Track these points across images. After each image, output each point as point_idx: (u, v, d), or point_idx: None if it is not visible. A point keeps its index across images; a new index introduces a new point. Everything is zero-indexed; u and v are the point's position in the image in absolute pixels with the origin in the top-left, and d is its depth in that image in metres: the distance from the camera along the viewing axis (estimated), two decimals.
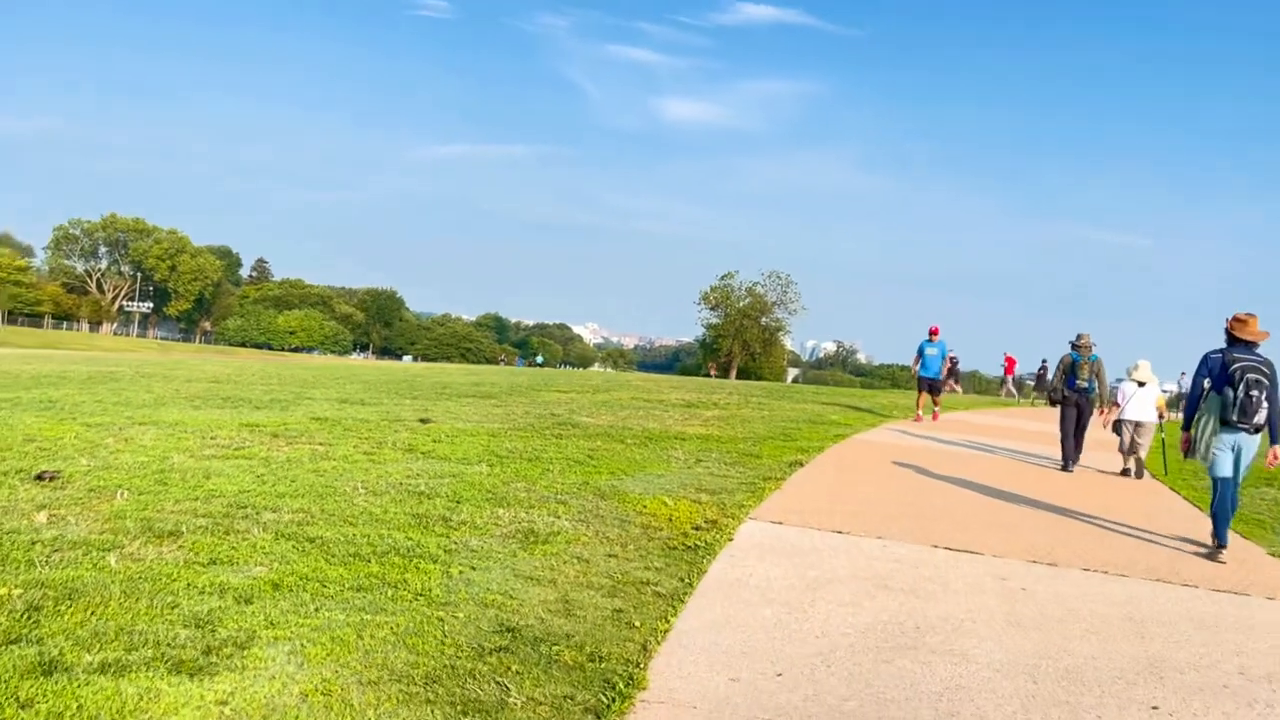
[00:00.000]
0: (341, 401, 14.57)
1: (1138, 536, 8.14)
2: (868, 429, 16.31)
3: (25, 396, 12.34)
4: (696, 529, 6.94)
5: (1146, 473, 12.89)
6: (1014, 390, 40.67)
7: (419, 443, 9.78)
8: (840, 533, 7.27)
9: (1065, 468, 13.09)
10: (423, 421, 11.81)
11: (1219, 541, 7.57)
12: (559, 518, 6.72)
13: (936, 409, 20.04)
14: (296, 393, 15.94)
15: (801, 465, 10.51)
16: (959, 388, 39.82)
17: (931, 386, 19.44)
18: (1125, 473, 12.88)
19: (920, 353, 19.01)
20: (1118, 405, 13.13)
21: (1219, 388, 7.55)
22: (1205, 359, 7.53)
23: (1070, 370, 13.39)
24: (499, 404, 15.90)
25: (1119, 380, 13.84)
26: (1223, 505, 7.61)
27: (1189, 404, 7.95)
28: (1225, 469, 7.64)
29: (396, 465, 8.29)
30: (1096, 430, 14.55)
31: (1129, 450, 12.89)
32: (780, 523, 7.39)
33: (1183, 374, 34.16)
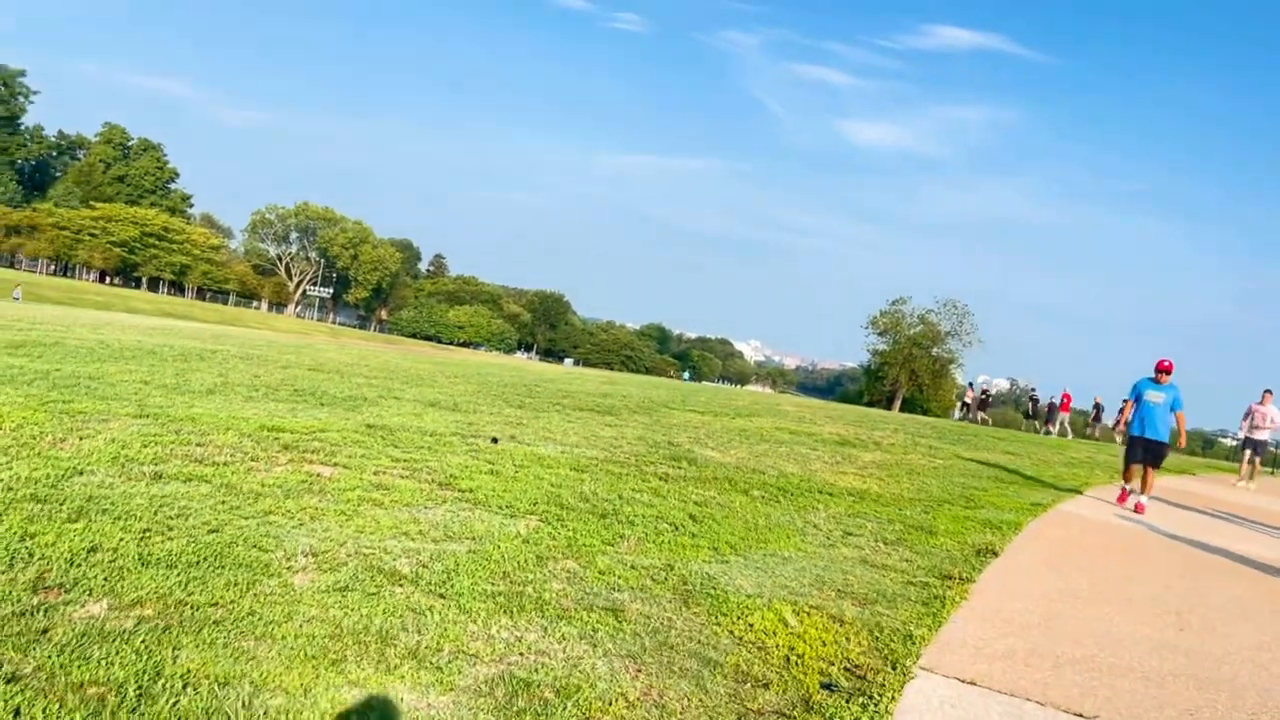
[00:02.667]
0: (428, 405, 12.32)
1: None
2: (1071, 497, 12.86)
3: (59, 370, 10.59)
4: (828, 686, 4.08)
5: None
6: (1068, 429, 37.56)
7: (466, 474, 7.27)
8: (1080, 717, 4.24)
9: None
10: (493, 441, 9.32)
11: None
12: (594, 648, 4.02)
13: (1146, 494, 12.34)
14: (388, 390, 13.83)
15: (995, 554, 7.44)
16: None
17: (1151, 451, 12.42)
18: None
19: (1138, 397, 12.63)
20: None
21: None
22: None
23: None
24: (614, 422, 13.33)
25: None
26: None
27: None
28: None
29: (402, 513, 5.77)
30: None
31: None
32: (974, 683, 4.42)
33: None
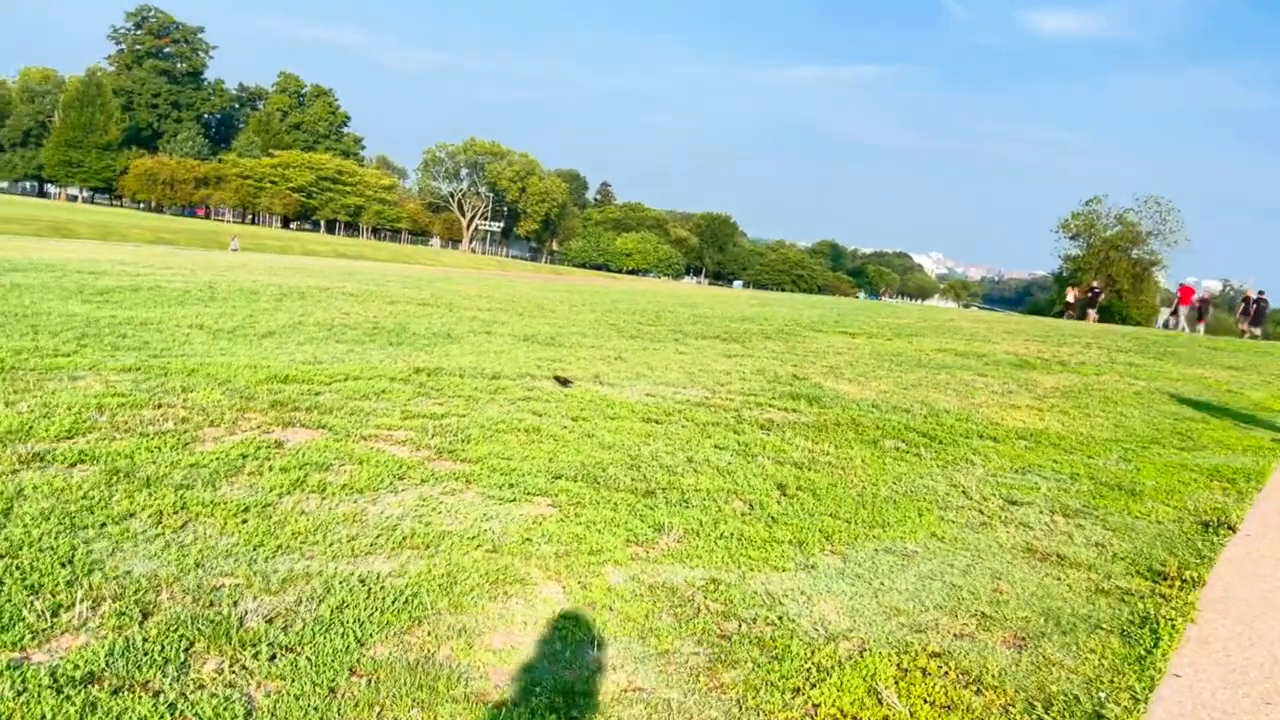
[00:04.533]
0: (521, 340, 10.76)
1: None
2: None
3: (114, 317, 9.59)
4: None
5: None
6: (1185, 325, 34.23)
7: (488, 435, 5.59)
8: None
9: None
10: (561, 383, 7.62)
11: None
12: None
13: None
14: (489, 324, 12.38)
15: (1232, 529, 5.18)
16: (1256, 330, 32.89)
17: None
18: None
19: None
20: None
21: None
22: None
23: None
24: (737, 352, 11.41)
25: None
26: None
27: None
28: None
29: (337, 508, 4.13)
30: None
31: None
32: None
33: None
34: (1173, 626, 3.66)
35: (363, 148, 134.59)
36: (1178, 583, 4.20)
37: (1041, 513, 5.23)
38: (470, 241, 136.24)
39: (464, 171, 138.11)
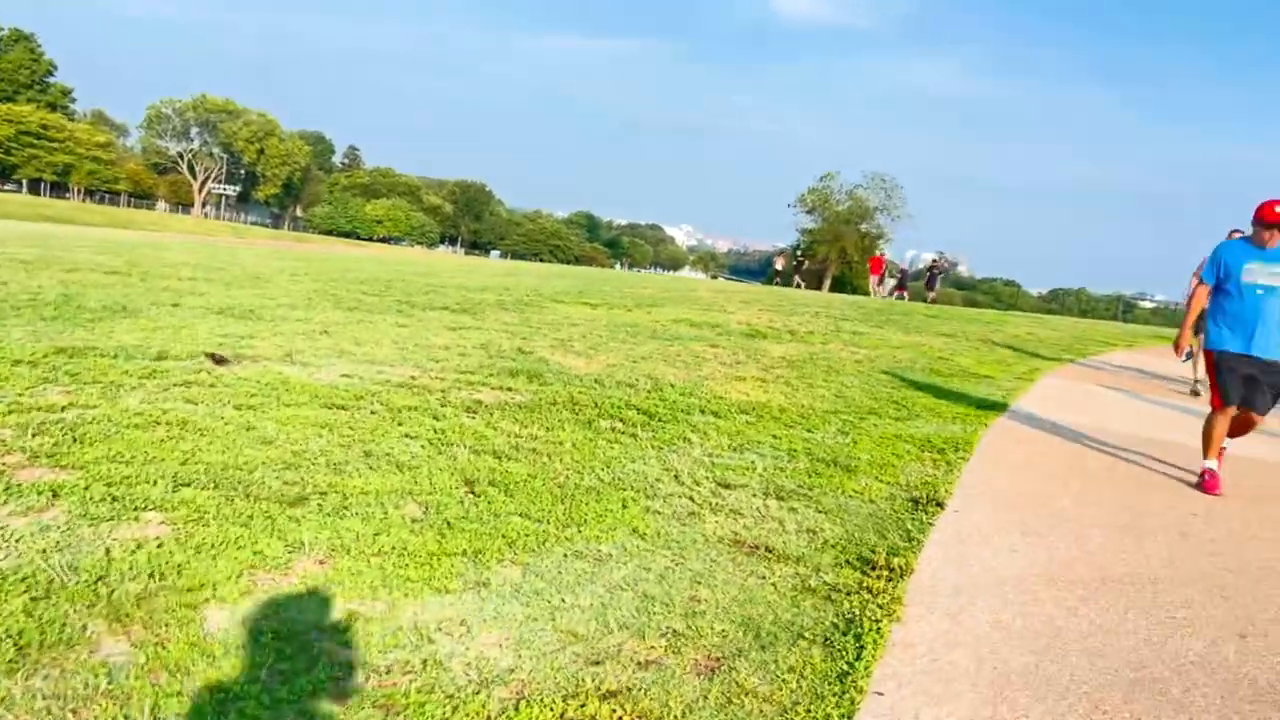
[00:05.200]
0: (213, 313, 9.48)
1: None
2: (1024, 388, 10.59)
3: None
4: None
5: None
6: (882, 293, 39.42)
7: (135, 426, 4.59)
8: None
9: None
10: (217, 362, 6.60)
11: None
12: None
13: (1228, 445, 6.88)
14: (182, 294, 10.92)
15: (940, 505, 5.04)
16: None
17: (1272, 383, 6.31)
18: None
19: (1227, 276, 6.40)
20: None
21: None
22: None
23: None
24: (465, 324, 10.65)
25: None
26: None
27: None
28: None
29: None
30: None
31: None
32: None
33: None
34: (877, 630, 3.31)
35: (73, 100, 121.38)
36: (885, 573, 3.91)
37: (754, 496, 4.87)
38: (203, 206, 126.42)
39: (194, 130, 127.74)
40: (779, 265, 51.41)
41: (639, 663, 2.91)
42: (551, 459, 5.06)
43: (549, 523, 4.04)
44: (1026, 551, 4.51)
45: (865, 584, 3.77)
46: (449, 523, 3.86)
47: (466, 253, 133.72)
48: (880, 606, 3.53)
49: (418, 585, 3.23)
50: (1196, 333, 8.76)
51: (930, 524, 4.73)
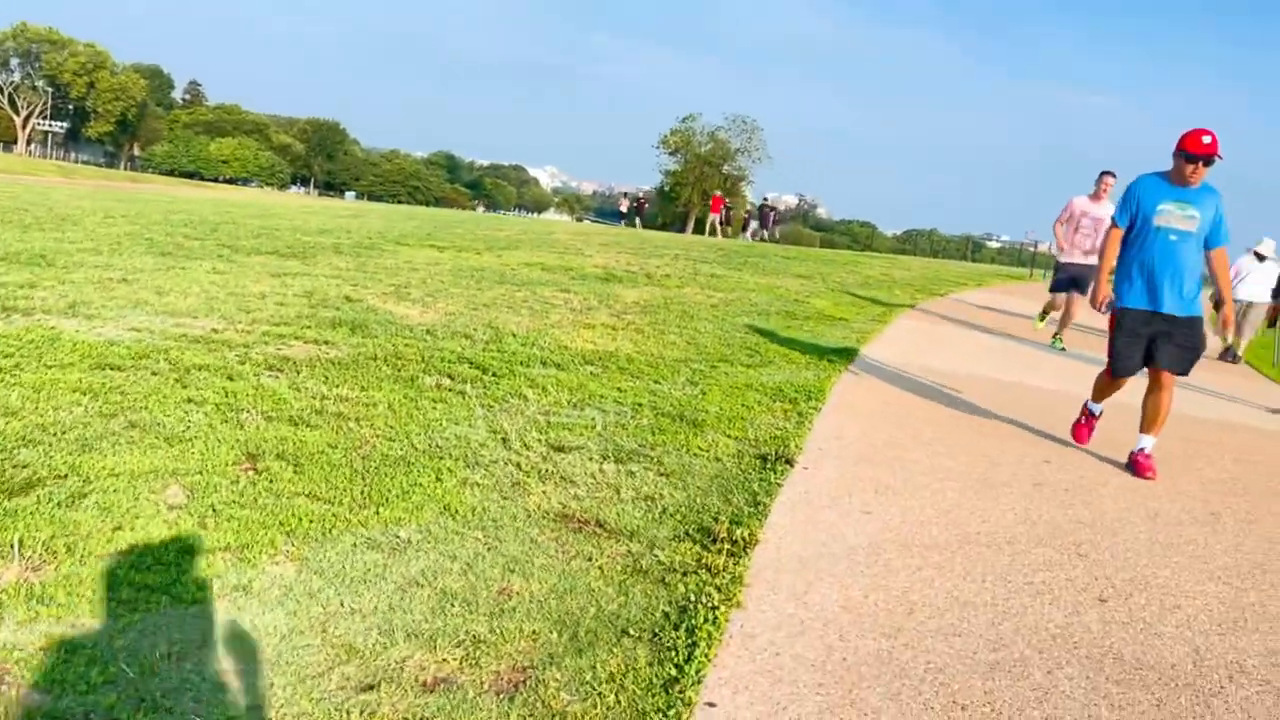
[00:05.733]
0: None
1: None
2: (877, 331, 10.46)
3: None
4: None
5: (1242, 359, 12.09)
6: (719, 231, 40.55)
7: None
8: None
9: None
10: None
11: None
12: None
13: (1153, 434, 5.62)
14: None
15: (790, 462, 4.68)
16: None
17: (1176, 342, 5.48)
18: (1226, 354, 11.90)
19: (1141, 217, 5.54)
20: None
21: None
22: None
23: None
24: (292, 270, 9.77)
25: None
26: None
27: None
28: None
29: None
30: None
31: (1233, 333, 11.77)
32: None
33: None
34: (714, 619, 2.89)
35: None
36: (727, 546, 3.50)
37: (590, 460, 4.40)
38: (29, 144, 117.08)
39: (15, 62, 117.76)
40: (623, 207, 52.71)
41: (425, 683, 2.40)
42: (359, 424, 4.45)
43: (342, 504, 3.46)
44: (880, 512, 4.18)
45: (704, 561, 3.35)
46: (215, 509, 3.23)
47: (320, 194, 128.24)
48: (719, 589, 3.11)
49: (153, 596, 2.62)
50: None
51: (779, 484, 4.36)
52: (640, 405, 5.56)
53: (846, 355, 8.31)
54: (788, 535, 3.74)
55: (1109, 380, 5.80)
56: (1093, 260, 10.31)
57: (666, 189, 75.47)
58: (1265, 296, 12.17)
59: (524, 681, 2.46)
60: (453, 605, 2.81)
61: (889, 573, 3.50)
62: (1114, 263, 5.68)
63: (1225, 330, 6.35)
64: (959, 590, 3.42)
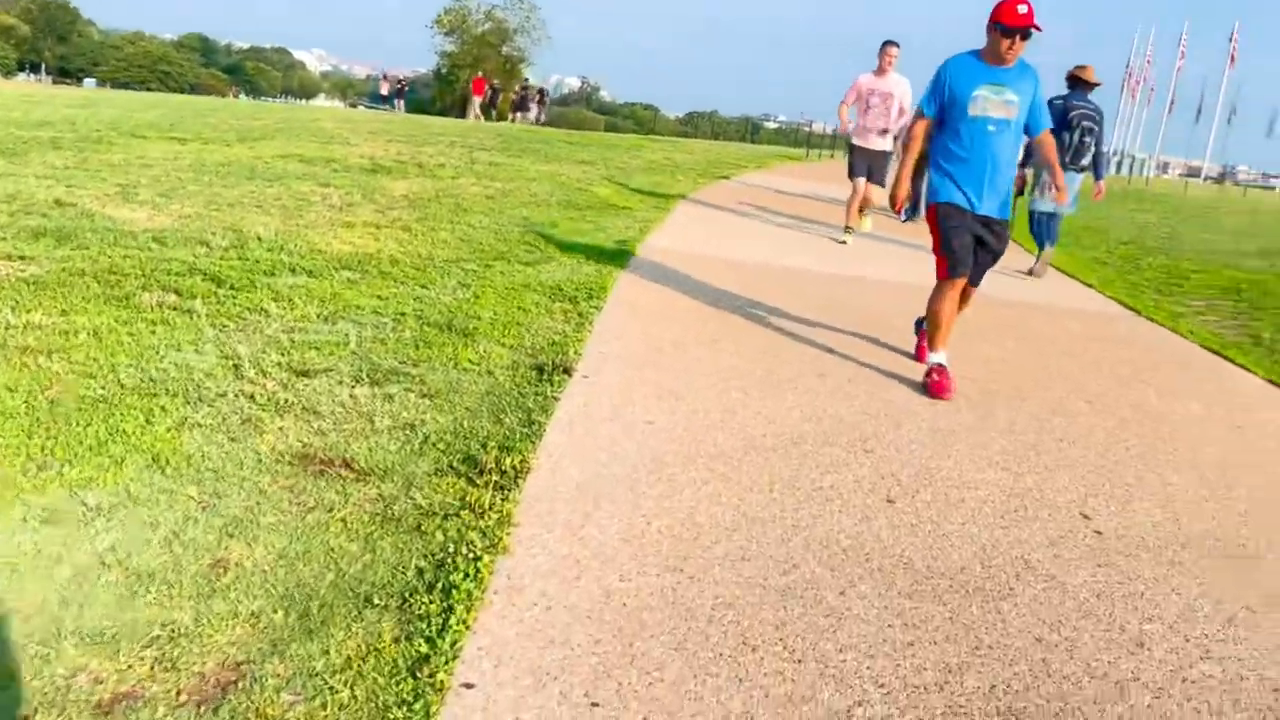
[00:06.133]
0: None
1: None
2: (661, 218, 10.18)
3: None
4: None
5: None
6: (480, 115, 40.66)
7: None
8: None
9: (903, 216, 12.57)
10: None
11: (1039, 258, 9.35)
12: None
13: (941, 349, 4.98)
14: None
15: (568, 372, 4.31)
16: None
17: (987, 246, 4.98)
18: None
19: (951, 106, 4.84)
20: None
21: (1056, 132, 7.19)
22: (1049, 104, 5.92)
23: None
24: None
25: None
26: (1043, 233, 9.38)
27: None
28: (1046, 205, 9.19)
29: None
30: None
31: None
32: None
33: None
34: (476, 572, 2.51)
35: None
36: (496, 478, 3.11)
37: (341, 384, 3.87)
38: None
39: None
40: (384, 90, 51.23)
41: (100, 704, 1.89)
42: (51, 358, 3.70)
43: (13, 465, 2.81)
44: (664, 421, 3.90)
45: (469, 499, 2.94)
46: None
47: (55, 81, 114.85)
48: (483, 533, 2.73)
49: None
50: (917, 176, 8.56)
51: (556, 398, 3.98)
52: (404, 315, 5.01)
53: (630, 247, 7.97)
54: (564, 458, 3.38)
55: (947, 285, 4.86)
56: (887, 145, 9.89)
57: (444, 71, 72.03)
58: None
59: (235, 683, 2.00)
60: (148, 590, 2.29)
61: (673, 491, 3.22)
62: (915, 159, 5.12)
63: (1061, 198, 6.01)
64: (747, 504, 3.18)
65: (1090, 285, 9.15)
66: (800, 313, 6.30)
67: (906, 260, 8.90)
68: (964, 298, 5.04)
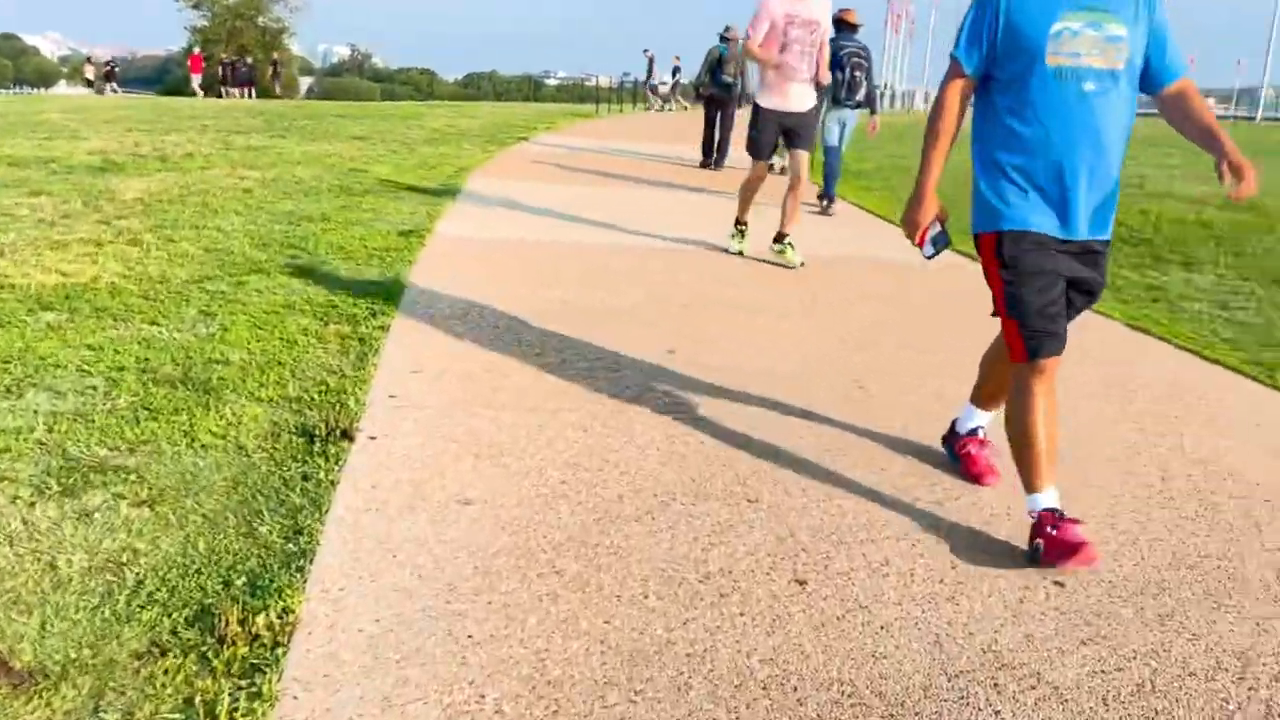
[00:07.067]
0: None
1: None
2: (451, 196, 9.01)
3: None
4: None
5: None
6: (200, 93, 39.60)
7: None
8: None
9: (705, 164, 13.14)
10: None
11: (829, 197, 9.64)
12: None
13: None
14: None
15: (349, 438, 3.25)
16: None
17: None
18: (771, 169, 11.28)
19: (1012, 55, 2.73)
20: None
21: (830, 71, 7.11)
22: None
23: (717, 64, 12.93)
24: None
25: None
26: (832, 168, 9.62)
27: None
28: (833, 139, 9.56)
29: None
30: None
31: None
32: None
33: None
34: None
35: None
36: (243, 650, 2.05)
37: (14, 502, 2.68)
38: None
39: None
40: (88, 74, 47.82)
41: None
42: None
43: None
44: (486, 497, 2.91)
45: (198, 697, 1.89)
46: None
47: None
48: None
49: None
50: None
51: (333, 481, 2.93)
52: (122, 370, 3.78)
53: (419, 237, 6.85)
54: (349, 594, 2.35)
55: (1036, 377, 2.78)
56: (810, 101, 6.76)
57: (194, 47, 66.48)
58: None
59: None
60: None
61: (511, 625, 2.25)
62: (948, 149, 2.90)
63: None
64: (615, 628, 2.26)
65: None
66: (639, 305, 5.41)
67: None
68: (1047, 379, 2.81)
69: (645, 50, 34.56)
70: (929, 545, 2.76)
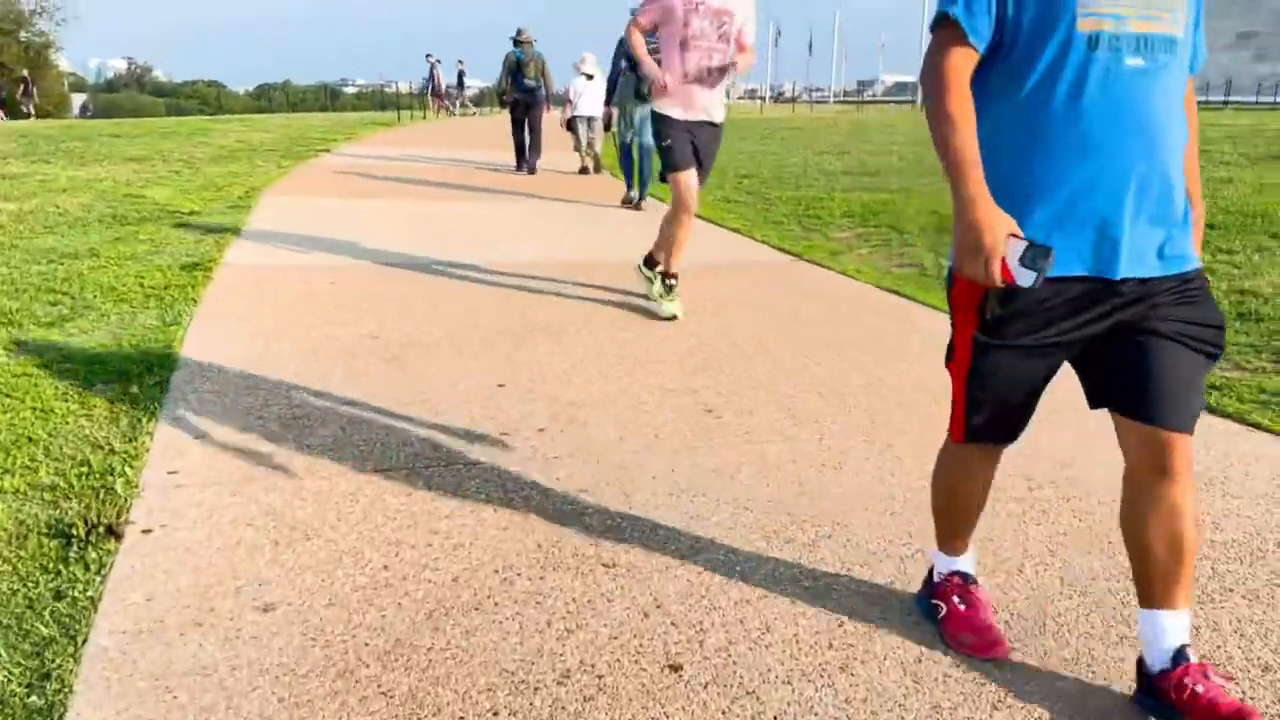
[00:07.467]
0: None
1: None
2: (241, 221, 8.20)
3: None
4: None
5: (605, 169, 13.05)
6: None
7: None
8: None
9: (519, 169, 13.14)
10: None
11: (641, 194, 9.85)
12: None
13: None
14: None
15: (116, 536, 2.66)
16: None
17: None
18: (584, 170, 13.02)
19: (1025, 27, 1.82)
20: (570, 103, 12.36)
21: (633, 69, 7.53)
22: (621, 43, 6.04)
23: (516, 69, 12.81)
24: None
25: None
26: (648, 171, 9.57)
27: (609, 84, 10.02)
28: (649, 137, 8.27)
29: None
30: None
31: (586, 148, 12.81)
32: None
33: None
34: None
35: None
36: None
37: None
38: None
39: None
40: None
41: None
42: None
43: None
44: (290, 600, 2.41)
45: None
46: None
47: None
48: None
49: None
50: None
51: (92, 598, 2.36)
52: None
53: (204, 270, 6.12)
54: None
55: (974, 461, 2.24)
56: (721, 113, 5.39)
57: None
58: (599, 109, 12.21)
59: None
60: None
61: None
62: (973, 130, 1.84)
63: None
64: None
65: (737, 230, 8.58)
66: (460, 333, 4.93)
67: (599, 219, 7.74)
68: (1177, 468, 1.92)
69: (428, 55, 33.75)
70: (810, 599, 2.46)
